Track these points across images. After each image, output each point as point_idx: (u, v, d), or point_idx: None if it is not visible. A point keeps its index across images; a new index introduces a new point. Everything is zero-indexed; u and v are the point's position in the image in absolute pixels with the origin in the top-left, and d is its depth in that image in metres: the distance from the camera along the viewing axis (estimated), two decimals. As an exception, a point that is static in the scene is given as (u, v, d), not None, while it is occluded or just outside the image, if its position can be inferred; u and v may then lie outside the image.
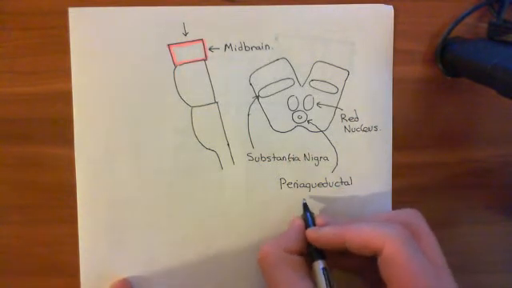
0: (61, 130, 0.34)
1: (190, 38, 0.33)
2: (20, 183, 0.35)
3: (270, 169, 0.34)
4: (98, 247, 0.34)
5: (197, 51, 0.34)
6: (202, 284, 0.35)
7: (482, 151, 0.36)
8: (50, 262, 0.35)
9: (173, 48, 0.33)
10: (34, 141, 0.34)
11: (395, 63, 0.35)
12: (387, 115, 0.35)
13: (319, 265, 0.28)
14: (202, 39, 0.33)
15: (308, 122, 0.34)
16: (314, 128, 0.34)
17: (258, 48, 0.34)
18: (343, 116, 0.34)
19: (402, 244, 0.25)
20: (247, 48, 0.34)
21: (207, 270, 0.35)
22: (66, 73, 0.33)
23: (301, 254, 0.29)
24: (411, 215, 0.29)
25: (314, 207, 0.34)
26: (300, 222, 0.31)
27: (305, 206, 0.32)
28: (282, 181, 0.35)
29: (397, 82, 0.35)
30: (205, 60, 0.34)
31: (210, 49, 0.34)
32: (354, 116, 0.34)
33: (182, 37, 0.33)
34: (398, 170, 0.35)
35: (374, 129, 0.35)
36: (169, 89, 0.34)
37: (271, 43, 0.34)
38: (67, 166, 0.34)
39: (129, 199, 0.34)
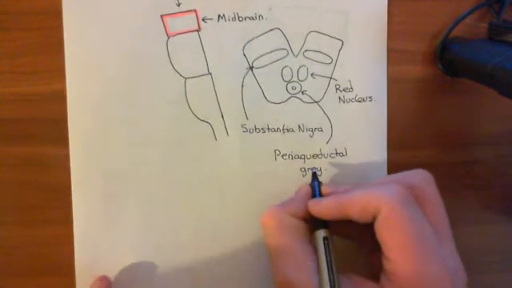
0: (61, 129, 0.34)
1: (183, 8, 0.33)
2: (19, 183, 0.35)
3: (265, 140, 0.34)
4: (92, 222, 0.34)
5: (190, 22, 0.33)
6: (196, 258, 0.34)
7: (482, 151, 0.36)
8: (50, 262, 0.35)
9: (166, 19, 0.33)
10: (34, 141, 0.34)
11: (395, 63, 0.34)
12: (382, 85, 0.34)
13: (320, 234, 0.28)
14: (195, 10, 0.33)
15: (302, 92, 0.34)
16: (308, 99, 0.34)
17: (252, 18, 0.33)
18: (338, 86, 0.34)
19: (398, 205, 0.24)
20: (241, 18, 0.33)
21: (201, 243, 0.34)
22: (65, 73, 0.33)
23: (304, 220, 0.29)
24: (418, 177, 0.27)
25: (309, 179, 0.34)
26: (307, 189, 0.30)
27: (314, 174, 0.32)
28: (277, 152, 0.34)
29: (396, 82, 0.35)
30: (198, 31, 0.34)
31: (203, 19, 0.33)
32: (349, 86, 0.34)
33: (174, 7, 0.33)
34: (397, 170, 0.35)
35: (368, 99, 0.34)
36: (162, 60, 0.33)
37: (265, 13, 0.33)
38: (66, 166, 0.34)
39: (122, 172, 0.34)
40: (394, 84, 0.35)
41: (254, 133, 0.34)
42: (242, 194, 0.34)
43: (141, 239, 0.34)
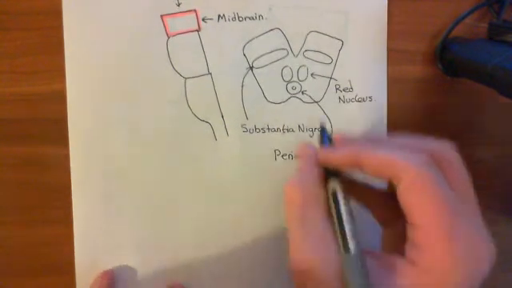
0: (60, 129, 0.34)
1: (183, 8, 0.33)
2: (19, 183, 0.35)
3: (265, 140, 0.34)
4: (92, 222, 0.34)
5: (190, 22, 0.33)
6: (196, 257, 0.34)
7: (482, 151, 0.36)
8: (50, 262, 0.35)
9: (166, 19, 0.33)
10: (34, 141, 0.34)
11: (395, 63, 0.35)
12: (382, 85, 0.34)
13: (331, 189, 0.26)
14: (195, 10, 0.33)
15: (302, 92, 0.34)
16: (308, 99, 0.34)
17: (252, 18, 0.33)
18: (337, 86, 0.34)
19: (426, 170, 0.22)
20: (241, 18, 0.33)
21: (201, 242, 0.34)
22: (65, 73, 0.33)
23: (322, 184, 0.26)
24: (442, 145, 0.25)
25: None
26: (311, 151, 0.27)
27: (322, 129, 0.29)
28: (277, 152, 0.34)
29: (396, 82, 0.35)
30: (198, 31, 0.34)
31: (203, 19, 0.33)
32: (349, 86, 0.34)
33: (174, 7, 0.33)
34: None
35: (368, 99, 0.34)
36: (162, 60, 0.33)
37: (265, 13, 0.33)
38: (66, 166, 0.34)
39: (122, 172, 0.34)
40: (394, 84, 0.35)
41: (254, 133, 0.34)
42: (241, 193, 0.34)
43: (141, 239, 0.34)
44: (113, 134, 0.34)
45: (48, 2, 0.33)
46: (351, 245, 0.24)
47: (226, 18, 0.33)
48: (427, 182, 0.22)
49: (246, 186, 0.34)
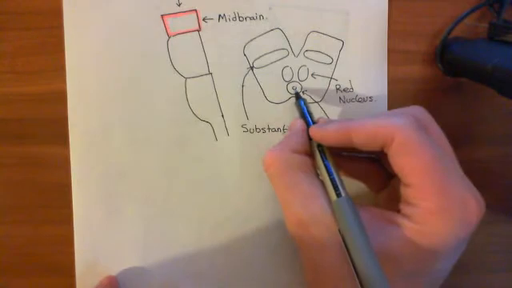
0: (61, 129, 0.34)
1: (183, 8, 0.33)
2: (19, 183, 0.35)
3: (265, 140, 0.34)
4: (92, 222, 0.34)
5: (190, 22, 0.33)
6: (196, 257, 0.34)
7: (482, 151, 0.36)
8: (50, 262, 0.35)
9: (166, 19, 0.33)
10: (34, 141, 0.34)
11: (395, 63, 0.34)
12: (382, 85, 0.34)
13: (314, 144, 0.27)
14: (195, 9, 0.33)
15: (303, 93, 0.34)
16: (308, 99, 0.34)
17: (252, 18, 0.33)
18: (338, 87, 0.34)
19: (414, 131, 0.23)
20: (241, 18, 0.33)
21: (202, 242, 0.34)
22: (65, 72, 0.33)
23: (307, 154, 0.27)
24: (419, 110, 0.26)
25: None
26: (301, 123, 0.29)
27: (297, 95, 0.31)
28: (277, 152, 0.34)
29: (397, 82, 0.35)
30: (198, 31, 0.33)
31: (203, 19, 0.33)
32: (349, 87, 0.34)
33: (175, 7, 0.33)
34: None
35: (369, 99, 0.34)
36: (162, 60, 0.33)
37: (265, 13, 0.33)
38: (67, 166, 0.34)
39: (122, 172, 0.34)
40: (394, 84, 0.35)
41: (255, 133, 0.34)
42: (242, 194, 0.34)
43: (141, 239, 0.34)
44: (113, 133, 0.34)
45: (48, 2, 0.33)
46: (341, 190, 0.25)
47: (227, 18, 0.33)
48: (417, 141, 0.23)
49: (246, 186, 0.34)
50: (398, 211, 0.25)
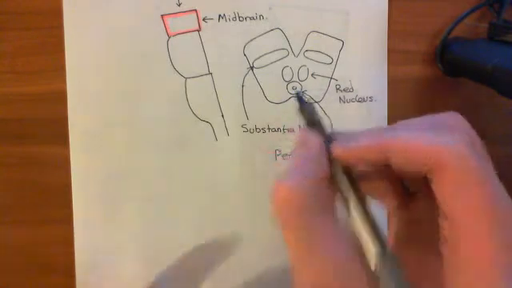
0: (61, 129, 0.34)
1: (183, 8, 0.33)
2: (19, 183, 0.35)
3: (265, 140, 0.34)
4: (92, 222, 0.34)
5: (190, 22, 0.33)
6: (196, 257, 0.34)
7: None
8: (50, 262, 0.35)
9: (166, 19, 0.33)
10: (34, 141, 0.34)
11: (395, 63, 0.34)
12: (382, 85, 0.34)
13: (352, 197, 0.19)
14: (195, 9, 0.33)
15: (303, 92, 0.34)
16: (308, 99, 0.34)
17: (252, 18, 0.33)
18: (338, 87, 0.34)
19: (471, 157, 0.18)
20: (241, 18, 0.33)
21: (201, 242, 0.34)
22: (65, 72, 0.33)
23: (326, 182, 0.19)
24: (463, 124, 0.21)
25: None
26: (316, 138, 0.20)
27: (299, 97, 0.22)
28: (277, 152, 0.34)
29: (397, 82, 0.35)
30: (198, 31, 0.33)
31: (203, 19, 0.33)
32: (349, 86, 0.34)
33: (175, 7, 0.33)
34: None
35: (369, 99, 0.34)
36: (162, 60, 0.33)
37: (265, 13, 0.33)
38: (67, 166, 0.34)
39: (122, 172, 0.34)
40: (394, 84, 0.35)
41: (255, 133, 0.34)
42: (242, 193, 0.34)
43: (141, 239, 0.34)
44: (113, 134, 0.34)
45: (48, 2, 0.33)
46: (384, 241, 0.18)
47: (227, 18, 0.33)
48: (476, 174, 0.18)
49: (246, 186, 0.34)
50: (418, 240, 0.20)
